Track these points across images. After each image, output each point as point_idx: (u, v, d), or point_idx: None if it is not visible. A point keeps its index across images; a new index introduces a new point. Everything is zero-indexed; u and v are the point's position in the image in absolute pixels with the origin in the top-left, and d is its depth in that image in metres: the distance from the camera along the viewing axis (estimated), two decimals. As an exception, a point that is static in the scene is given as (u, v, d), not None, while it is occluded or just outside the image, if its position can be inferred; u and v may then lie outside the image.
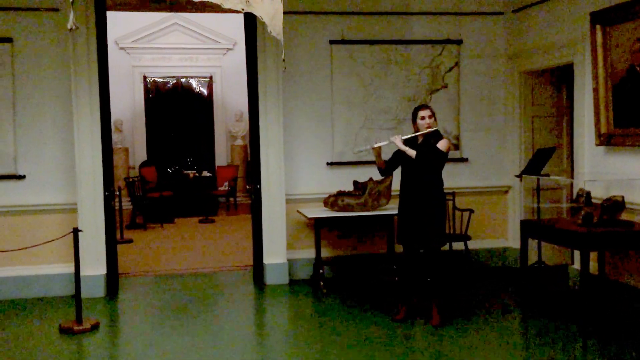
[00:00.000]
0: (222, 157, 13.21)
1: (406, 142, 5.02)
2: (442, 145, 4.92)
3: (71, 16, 4.31)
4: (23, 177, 6.05)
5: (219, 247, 8.56)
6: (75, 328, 5.00)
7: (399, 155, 5.06)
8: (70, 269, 5.90)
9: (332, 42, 6.59)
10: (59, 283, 6.07)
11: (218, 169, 12.77)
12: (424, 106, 5.11)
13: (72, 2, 4.42)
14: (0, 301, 5.90)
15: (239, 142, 12.93)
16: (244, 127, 12.72)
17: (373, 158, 5.24)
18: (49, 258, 6.04)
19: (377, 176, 6.07)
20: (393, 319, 5.13)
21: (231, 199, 12.38)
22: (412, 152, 4.90)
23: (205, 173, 12.28)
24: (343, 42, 6.61)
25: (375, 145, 5.09)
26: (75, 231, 5.22)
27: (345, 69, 6.62)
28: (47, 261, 6.07)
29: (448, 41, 6.83)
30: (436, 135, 4.99)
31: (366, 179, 6.17)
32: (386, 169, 5.22)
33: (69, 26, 4.34)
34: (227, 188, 12.13)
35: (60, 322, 5.16)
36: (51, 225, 6.01)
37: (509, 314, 5.32)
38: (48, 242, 5.56)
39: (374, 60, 6.67)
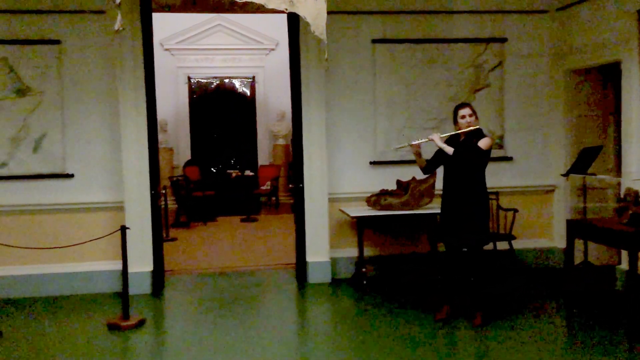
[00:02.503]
0: (264, 156, 13.33)
1: (448, 140, 4.99)
2: (482, 143, 4.85)
3: (118, 18, 4.42)
4: (72, 175, 6.23)
5: (261, 245, 8.64)
6: (122, 324, 5.12)
7: (440, 153, 5.03)
8: (116, 265, 6.07)
9: (374, 41, 6.58)
10: (105, 280, 6.23)
11: (260, 168, 12.89)
12: (463, 105, 5.05)
13: (119, 4, 4.54)
14: (49, 297, 6.10)
15: (281, 141, 13.02)
16: (285, 126, 12.81)
17: (416, 157, 5.22)
18: (96, 255, 6.21)
19: (420, 175, 6.04)
20: (435, 318, 5.11)
21: (273, 198, 12.48)
22: (449, 150, 4.87)
23: (248, 172, 12.40)
24: (385, 41, 6.59)
25: (414, 143, 5.09)
26: (123, 229, 5.35)
27: (387, 68, 6.60)
28: (95, 258, 6.23)
29: (492, 39, 6.74)
30: (478, 134, 4.93)
31: (409, 178, 6.15)
32: (427, 167, 5.20)
33: (115, 28, 4.45)
34: (269, 187, 12.23)
35: (108, 318, 5.30)
36: (98, 223, 6.17)
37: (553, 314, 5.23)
38: (96, 239, 5.71)
39: (416, 59, 6.64)
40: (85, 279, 6.21)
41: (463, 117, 4.93)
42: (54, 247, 5.79)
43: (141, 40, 6.12)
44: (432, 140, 4.98)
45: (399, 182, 6.24)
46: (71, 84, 6.19)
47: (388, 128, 6.63)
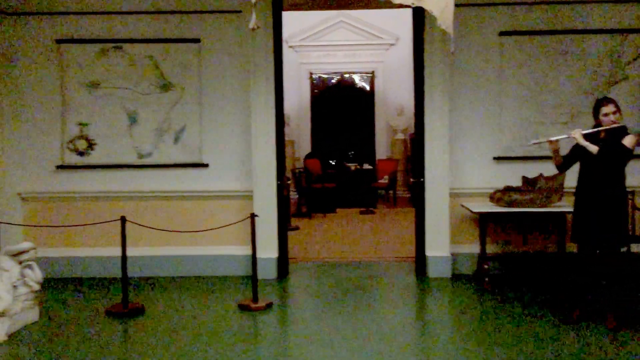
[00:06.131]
0: (382, 150, 13.42)
1: (587, 136, 4.79)
2: (627, 141, 4.62)
3: (253, 17, 4.67)
4: (207, 165, 6.65)
5: (380, 238, 8.74)
6: (252, 306, 5.44)
7: (577, 150, 4.84)
8: (243, 251, 6.46)
9: (501, 33, 6.44)
10: (234, 263, 6.60)
11: (378, 162, 12.99)
12: (607, 100, 4.80)
13: (255, 4, 4.79)
14: (186, 277, 6.59)
15: (399, 136, 13.04)
16: (404, 121, 12.83)
17: (543, 153, 5.08)
18: (227, 240, 6.58)
19: (547, 172, 5.87)
20: (564, 321, 4.95)
21: (390, 192, 12.54)
22: (593, 149, 4.67)
23: (366, 166, 12.55)
24: (514, 33, 6.43)
25: (553, 139, 4.92)
26: (253, 216, 5.66)
27: (515, 61, 6.45)
28: (226, 243, 6.61)
29: (631, 30, 6.37)
30: (621, 131, 4.70)
31: (536, 175, 5.98)
32: (563, 165, 5.03)
33: (250, 26, 4.71)
34: (386, 181, 12.30)
35: (239, 300, 5.65)
36: (229, 210, 6.57)
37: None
38: (229, 225, 6.08)
39: (546, 51, 6.42)
40: (217, 261, 6.63)
41: (606, 114, 4.71)
42: (193, 231, 6.22)
43: (272, 38, 6.40)
44: (574, 137, 4.80)
45: (525, 179, 6.08)
46: (208, 80, 6.60)
47: (515, 122, 6.47)
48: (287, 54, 12.59)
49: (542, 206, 5.91)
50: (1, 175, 6.51)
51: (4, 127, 6.51)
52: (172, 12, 6.55)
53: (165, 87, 6.55)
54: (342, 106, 13.48)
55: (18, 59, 6.60)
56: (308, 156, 12.91)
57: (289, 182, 7.98)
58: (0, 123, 6.48)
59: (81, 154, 6.62)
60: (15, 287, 4.95)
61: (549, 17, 6.44)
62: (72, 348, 4.58)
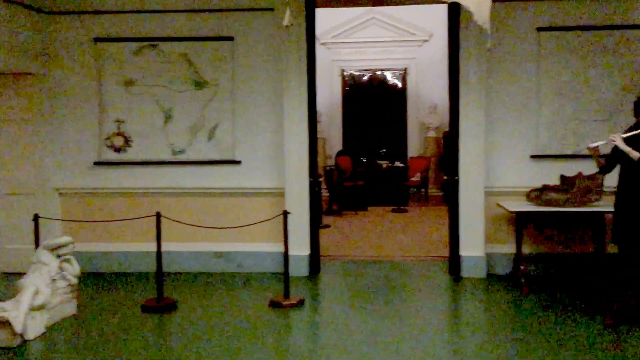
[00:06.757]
0: (414, 148, 13.31)
1: (627, 138, 4.67)
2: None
3: (287, 14, 4.67)
4: (239, 162, 6.67)
5: (411, 236, 8.67)
6: (284, 302, 5.45)
7: (618, 151, 4.72)
8: (275, 248, 6.45)
9: (540, 29, 6.32)
10: (266, 260, 6.62)
11: (410, 160, 12.89)
12: None
13: (288, 2, 4.78)
14: (218, 273, 6.62)
15: (432, 133, 12.92)
16: (437, 119, 12.70)
17: (582, 151, 4.97)
18: (258, 237, 6.60)
19: (586, 171, 5.75)
20: (603, 323, 4.83)
21: (422, 190, 12.44)
22: (635, 155, 4.56)
23: (398, 164, 12.46)
24: (552, 29, 6.31)
25: (592, 146, 4.85)
26: (285, 213, 5.66)
27: (553, 57, 6.32)
28: (258, 239, 6.64)
29: (675, 25, 6.20)
30: (664, 131, 4.57)
31: (574, 174, 5.85)
32: (606, 167, 4.93)
33: (284, 23, 4.70)
34: (418, 179, 12.21)
35: (270, 296, 5.66)
36: (261, 207, 6.58)
37: None
38: (262, 221, 6.09)
39: (585, 47, 6.28)
40: (249, 258, 6.66)
41: None
42: (225, 227, 6.25)
43: (305, 35, 6.39)
44: (614, 142, 4.69)
45: (563, 178, 5.96)
46: (241, 77, 6.62)
47: (552, 120, 6.34)
48: (318, 51, 12.45)
49: (580, 206, 5.79)
50: (40, 171, 6.65)
51: (44, 124, 6.64)
52: (206, 11, 6.58)
53: (200, 84, 6.60)
54: (374, 103, 13.41)
55: (57, 57, 6.72)
56: (339, 154, 12.87)
57: (320, 179, 7.96)
58: (39, 120, 6.61)
59: (118, 150, 6.71)
60: (54, 280, 5.05)
61: (588, 12, 6.30)
62: (108, 341, 4.65)
